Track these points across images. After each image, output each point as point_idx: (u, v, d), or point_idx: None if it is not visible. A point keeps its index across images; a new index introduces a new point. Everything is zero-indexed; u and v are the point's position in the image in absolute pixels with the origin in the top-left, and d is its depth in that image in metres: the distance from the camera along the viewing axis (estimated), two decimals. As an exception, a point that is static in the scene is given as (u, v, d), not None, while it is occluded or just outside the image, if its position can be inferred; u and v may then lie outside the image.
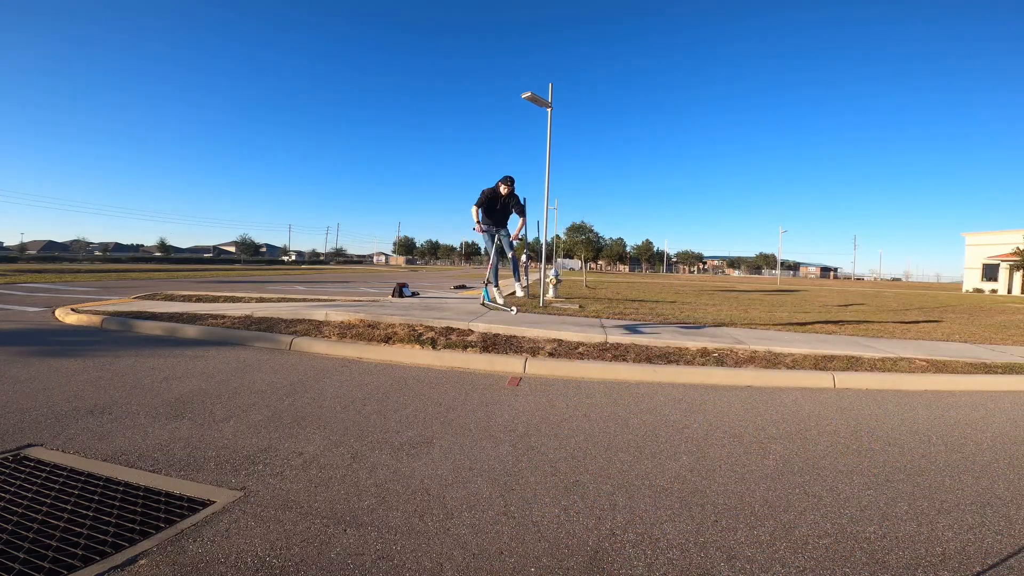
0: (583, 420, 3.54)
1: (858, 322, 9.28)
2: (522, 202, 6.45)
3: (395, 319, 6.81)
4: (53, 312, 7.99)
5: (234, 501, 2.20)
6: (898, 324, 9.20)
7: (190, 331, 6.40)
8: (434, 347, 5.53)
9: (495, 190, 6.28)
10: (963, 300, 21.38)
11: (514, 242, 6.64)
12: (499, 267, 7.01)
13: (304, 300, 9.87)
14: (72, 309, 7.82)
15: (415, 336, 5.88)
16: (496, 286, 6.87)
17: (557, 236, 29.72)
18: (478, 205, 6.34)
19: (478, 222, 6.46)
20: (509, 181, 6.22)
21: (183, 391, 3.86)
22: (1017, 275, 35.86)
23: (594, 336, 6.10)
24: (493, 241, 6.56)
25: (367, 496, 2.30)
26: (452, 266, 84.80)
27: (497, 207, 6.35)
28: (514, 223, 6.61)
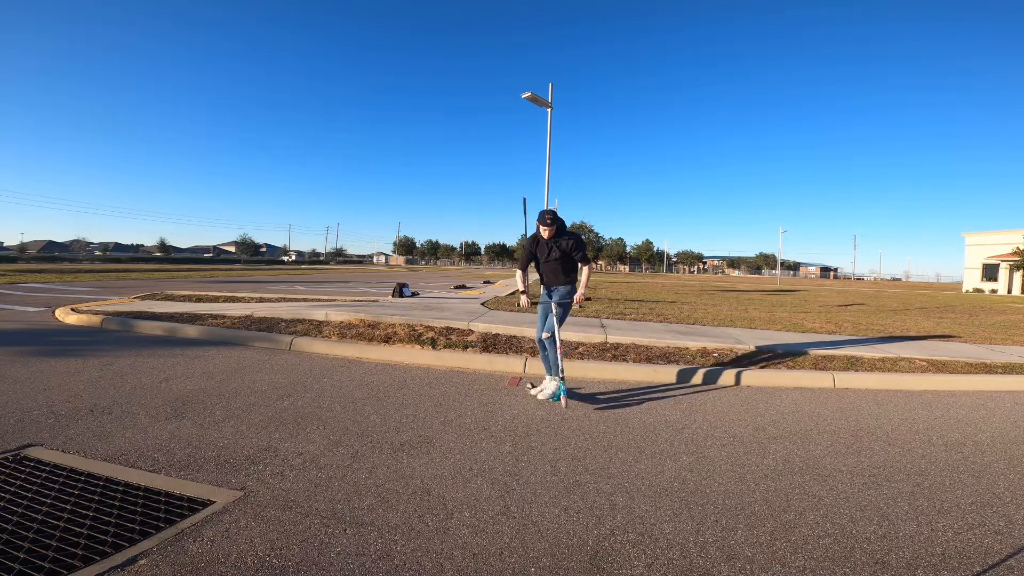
0: (583, 420, 3.54)
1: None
2: (582, 240, 4.28)
3: (395, 319, 6.81)
4: (53, 312, 7.99)
5: (234, 501, 2.20)
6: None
7: (190, 331, 6.40)
8: (434, 347, 5.53)
9: (535, 237, 4.25)
10: (963, 300, 21.38)
11: (577, 306, 4.34)
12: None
13: (304, 300, 9.87)
14: (72, 309, 7.82)
15: (415, 336, 5.88)
16: (557, 374, 4.05)
17: (557, 236, 29.49)
18: (523, 268, 4.36)
19: (523, 292, 4.40)
20: (548, 218, 4.07)
21: (183, 391, 3.86)
22: (1017, 275, 35.84)
23: (594, 336, 6.10)
24: (547, 314, 4.24)
25: (367, 496, 2.30)
26: (452, 266, 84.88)
27: (544, 260, 4.21)
28: (572, 276, 4.29)
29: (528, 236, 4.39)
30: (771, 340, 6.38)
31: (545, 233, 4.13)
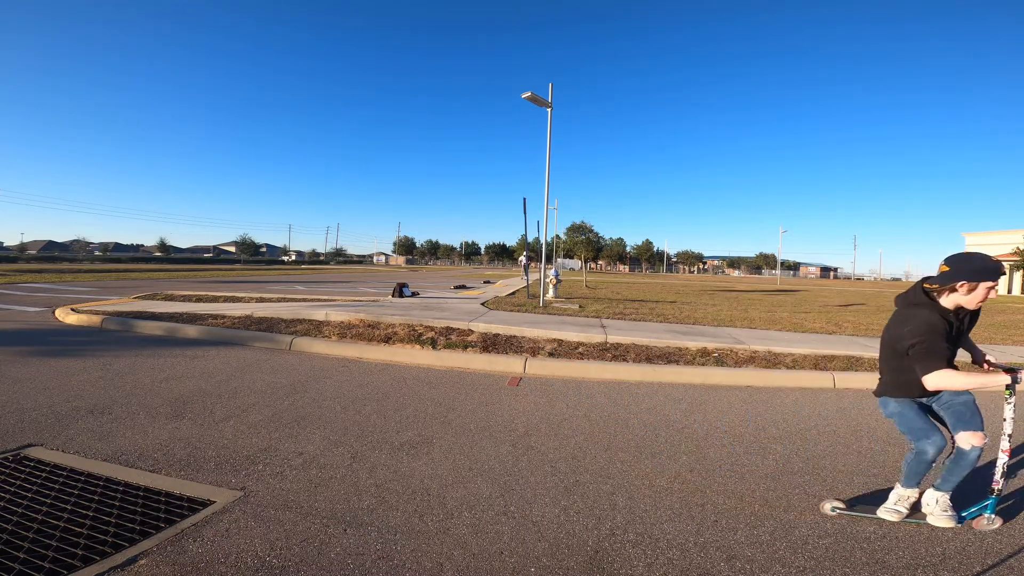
0: (583, 420, 3.54)
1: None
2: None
3: (395, 319, 6.81)
4: (53, 312, 7.99)
5: (234, 501, 2.20)
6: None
7: (190, 331, 6.39)
8: (434, 347, 5.53)
9: (942, 316, 2.21)
10: (963, 300, 21.35)
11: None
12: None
13: (304, 300, 9.87)
14: (72, 309, 7.82)
15: (415, 336, 5.88)
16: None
17: (557, 236, 29.53)
18: (947, 364, 2.16)
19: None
20: (996, 269, 2.14)
21: (183, 391, 3.86)
22: (1017, 275, 35.83)
23: (594, 336, 6.10)
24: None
25: (367, 496, 2.30)
26: (452, 266, 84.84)
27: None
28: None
29: (935, 315, 2.22)
30: (771, 340, 6.37)
31: (972, 303, 2.20)
